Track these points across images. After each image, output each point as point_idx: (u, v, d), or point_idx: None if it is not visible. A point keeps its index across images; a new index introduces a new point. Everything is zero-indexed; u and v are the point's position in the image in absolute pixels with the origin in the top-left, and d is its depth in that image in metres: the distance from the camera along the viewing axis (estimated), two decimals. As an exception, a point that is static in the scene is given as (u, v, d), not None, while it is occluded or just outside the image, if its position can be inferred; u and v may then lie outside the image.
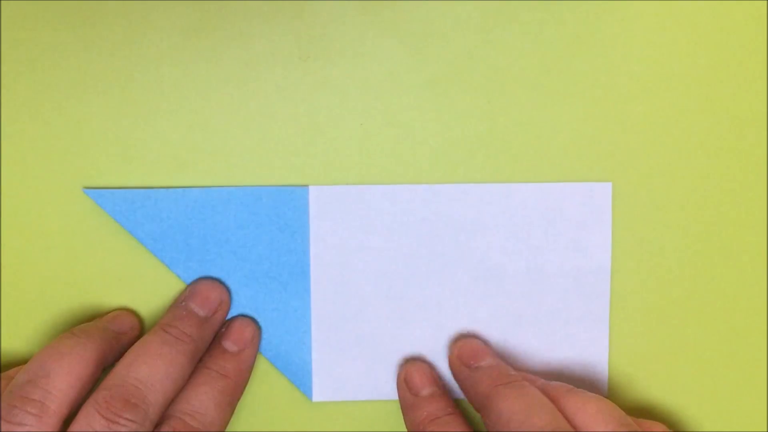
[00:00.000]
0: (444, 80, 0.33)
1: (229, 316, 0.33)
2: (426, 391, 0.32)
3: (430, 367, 0.33)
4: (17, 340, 0.33)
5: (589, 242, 0.33)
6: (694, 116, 0.33)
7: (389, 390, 0.34)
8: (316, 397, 0.34)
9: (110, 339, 0.31)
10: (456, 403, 0.32)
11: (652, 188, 0.33)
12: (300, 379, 0.34)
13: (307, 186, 0.33)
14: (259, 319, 0.33)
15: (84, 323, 0.32)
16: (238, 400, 0.32)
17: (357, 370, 0.34)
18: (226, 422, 0.31)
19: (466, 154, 0.33)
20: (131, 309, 0.34)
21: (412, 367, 0.33)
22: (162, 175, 0.33)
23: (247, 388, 0.33)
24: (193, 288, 0.33)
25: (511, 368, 0.32)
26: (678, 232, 0.34)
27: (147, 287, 0.33)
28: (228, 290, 0.33)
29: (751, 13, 0.33)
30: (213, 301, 0.32)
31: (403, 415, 0.32)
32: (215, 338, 0.33)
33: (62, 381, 0.29)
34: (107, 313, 0.33)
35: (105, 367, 0.31)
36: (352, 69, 0.33)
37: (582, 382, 0.34)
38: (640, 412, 0.34)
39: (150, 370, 0.29)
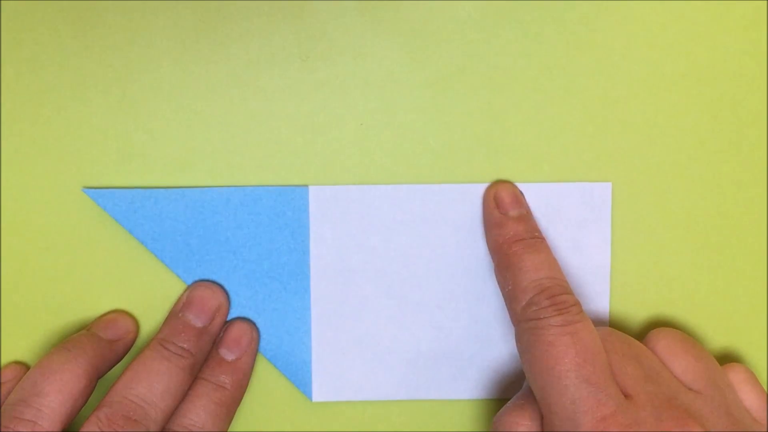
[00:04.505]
0: (444, 80, 0.33)
1: (229, 317, 0.33)
2: (515, 212, 0.32)
3: (519, 190, 0.33)
4: (17, 340, 0.33)
5: (589, 242, 0.33)
6: (694, 116, 0.33)
7: (389, 390, 0.34)
8: (316, 397, 0.34)
9: (103, 349, 0.31)
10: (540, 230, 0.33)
11: (651, 188, 0.33)
12: (300, 379, 0.34)
13: (307, 186, 0.33)
14: (258, 320, 0.33)
15: (76, 333, 0.32)
16: (237, 407, 0.32)
17: (357, 370, 0.34)
18: (225, 431, 0.31)
19: (466, 154, 0.33)
20: (126, 311, 0.33)
21: (502, 187, 0.33)
22: (162, 175, 0.33)
23: (247, 387, 0.33)
24: (189, 295, 0.32)
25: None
26: (678, 232, 0.34)
27: (147, 287, 0.33)
28: (226, 292, 0.33)
29: (751, 13, 0.33)
30: (210, 309, 0.32)
31: (487, 231, 0.33)
32: (213, 345, 0.33)
33: (54, 399, 0.29)
34: (102, 315, 0.33)
35: (99, 377, 0.31)
36: (352, 69, 0.33)
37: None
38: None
39: (149, 387, 0.30)
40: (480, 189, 0.33)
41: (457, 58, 0.33)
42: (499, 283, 0.32)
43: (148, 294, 0.33)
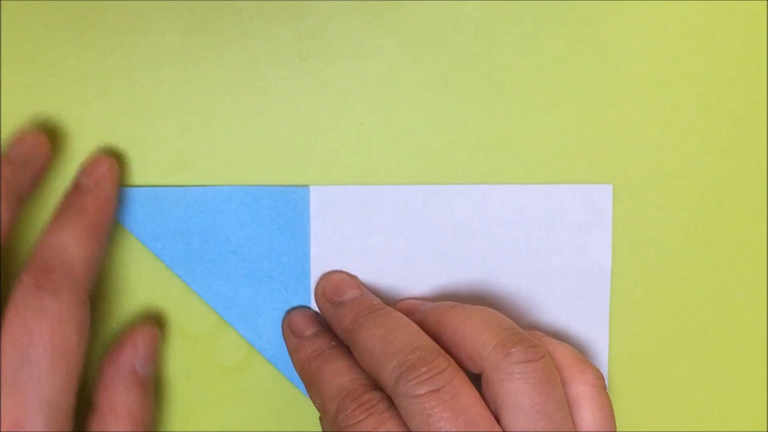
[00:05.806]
0: (444, 80, 0.33)
1: (229, 317, 0.33)
2: (309, 331, 0.32)
3: (312, 311, 0.33)
4: (18, 339, 0.33)
5: (590, 244, 0.33)
6: (694, 117, 0.33)
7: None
8: (316, 396, 0.34)
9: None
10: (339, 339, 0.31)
11: (652, 190, 0.33)
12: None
13: (307, 186, 0.33)
14: (258, 320, 0.33)
15: None
16: (105, 233, 0.31)
17: (357, 370, 0.34)
18: (93, 254, 0.31)
19: (467, 155, 0.33)
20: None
21: (294, 313, 0.32)
22: (162, 175, 0.33)
23: (246, 387, 0.33)
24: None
25: (376, 298, 0.31)
26: (678, 233, 0.34)
27: (147, 287, 0.33)
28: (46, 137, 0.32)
29: (751, 13, 0.33)
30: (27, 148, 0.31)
31: (291, 358, 0.32)
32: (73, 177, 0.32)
33: None
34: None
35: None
36: (352, 69, 0.33)
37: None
38: (640, 412, 0.34)
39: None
40: (480, 189, 0.33)
41: (457, 58, 0.33)
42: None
43: (148, 294, 0.33)
